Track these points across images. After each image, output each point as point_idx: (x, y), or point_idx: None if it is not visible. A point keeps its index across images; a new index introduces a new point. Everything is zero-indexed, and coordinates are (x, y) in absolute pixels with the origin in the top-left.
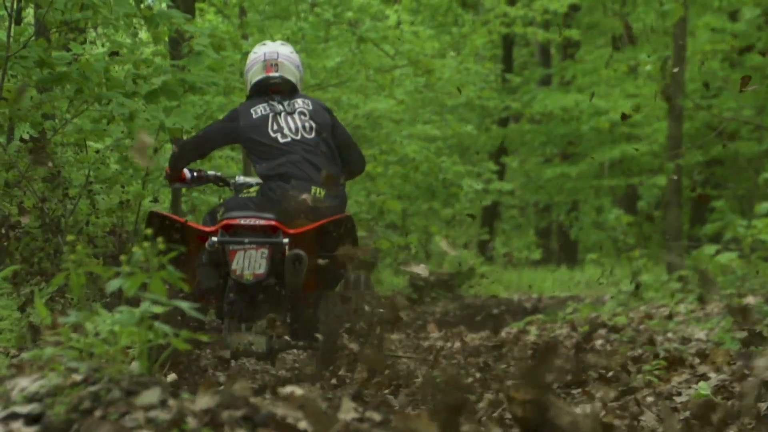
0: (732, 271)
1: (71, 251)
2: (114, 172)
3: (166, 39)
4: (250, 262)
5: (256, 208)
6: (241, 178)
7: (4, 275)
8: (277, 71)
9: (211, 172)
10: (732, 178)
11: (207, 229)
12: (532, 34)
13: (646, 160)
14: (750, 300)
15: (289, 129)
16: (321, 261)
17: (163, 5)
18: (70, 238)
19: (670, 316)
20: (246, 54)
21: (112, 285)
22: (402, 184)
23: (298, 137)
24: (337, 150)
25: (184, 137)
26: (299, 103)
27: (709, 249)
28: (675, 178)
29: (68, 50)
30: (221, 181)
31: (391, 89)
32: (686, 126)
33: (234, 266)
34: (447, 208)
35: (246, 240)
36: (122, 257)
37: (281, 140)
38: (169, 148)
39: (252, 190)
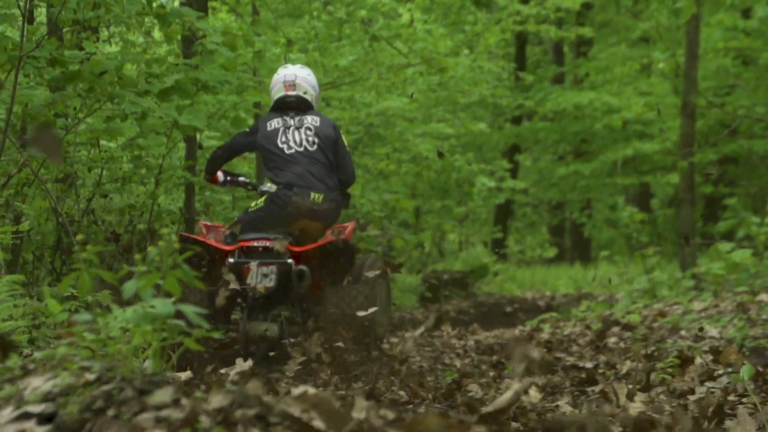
0: (745, 269)
1: (82, 250)
2: (127, 171)
3: (179, 38)
4: (262, 278)
5: (266, 220)
6: (265, 187)
7: (14, 279)
8: (294, 90)
9: (242, 178)
10: (745, 176)
11: (227, 248)
12: (545, 32)
13: (658, 157)
14: (763, 297)
15: (294, 142)
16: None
17: (176, 3)
18: (80, 237)
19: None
20: (259, 52)
21: (128, 289)
22: (415, 182)
23: (301, 149)
24: (335, 161)
25: (198, 136)
26: (308, 119)
27: (724, 246)
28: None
29: (81, 49)
30: (250, 186)
31: (404, 87)
32: (699, 123)
33: (249, 280)
34: (460, 206)
35: (257, 261)
36: (137, 256)
37: (287, 151)
38: (182, 147)
39: (260, 201)
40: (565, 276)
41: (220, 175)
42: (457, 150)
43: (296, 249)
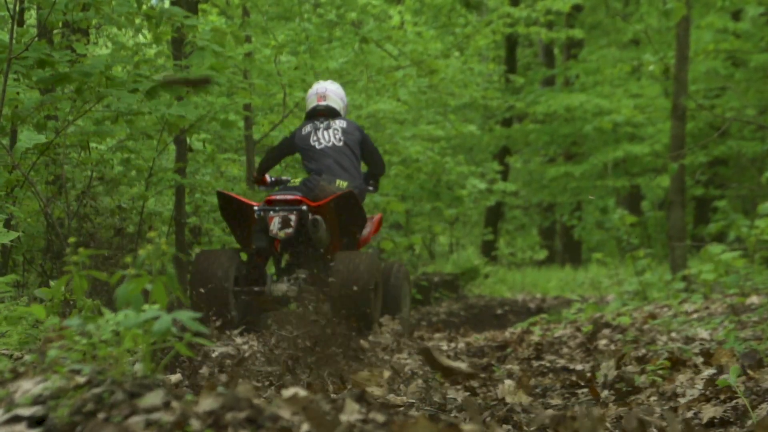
0: (736, 271)
1: (74, 253)
2: (117, 173)
3: (169, 39)
4: (282, 224)
5: (295, 191)
6: None
7: (6, 281)
8: (324, 101)
9: (284, 178)
10: (735, 178)
11: (255, 204)
12: (535, 34)
13: (648, 160)
14: (754, 299)
15: (324, 139)
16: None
17: (166, 4)
18: (71, 240)
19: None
20: (250, 54)
21: (121, 296)
22: (406, 184)
23: (330, 145)
24: (363, 158)
25: (188, 139)
26: (336, 123)
27: (715, 248)
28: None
29: (72, 51)
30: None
31: (395, 90)
32: (689, 126)
33: (271, 227)
34: (451, 208)
35: (277, 208)
36: (127, 259)
37: (317, 147)
38: (172, 150)
39: (296, 181)
40: (555, 278)
41: (267, 177)
42: (447, 152)
43: (312, 203)
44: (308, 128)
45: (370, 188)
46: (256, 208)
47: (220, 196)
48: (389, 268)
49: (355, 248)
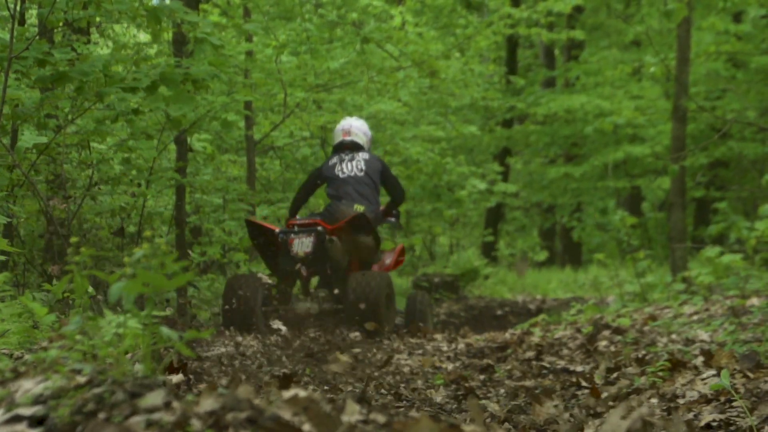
0: (736, 273)
1: (75, 253)
2: (117, 172)
3: (169, 37)
4: (301, 245)
5: (317, 216)
6: None
7: (2, 278)
8: (349, 136)
9: (316, 214)
10: (735, 180)
11: (277, 229)
12: (536, 35)
13: (649, 161)
14: (754, 301)
15: (347, 169)
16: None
17: (167, 1)
18: (73, 240)
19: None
20: (250, 53)
21: (114, 292)
22: (406, 185)
23: (352, 174)
24: (384, 186)
25: (188, 140)
26: (359, 155)
27: (712, 251)
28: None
29: (73, 50)
30: None
31: (396, 90)
32: (690, 127)
33: (292, 248)
34: (451, 209)
35: (296, 230)
36: (126, 259)
37: (341, 176)
38: (173, 149)
39: (321, 208)
40: (555, 279)
41: (298, 218)
42: (448, 153)
43: (329, 226)
44: (334, 160)
45: (392, 219)
46: (277, 231)
47: (248, 224)
48: (414, 298)
49: (370, 268)
